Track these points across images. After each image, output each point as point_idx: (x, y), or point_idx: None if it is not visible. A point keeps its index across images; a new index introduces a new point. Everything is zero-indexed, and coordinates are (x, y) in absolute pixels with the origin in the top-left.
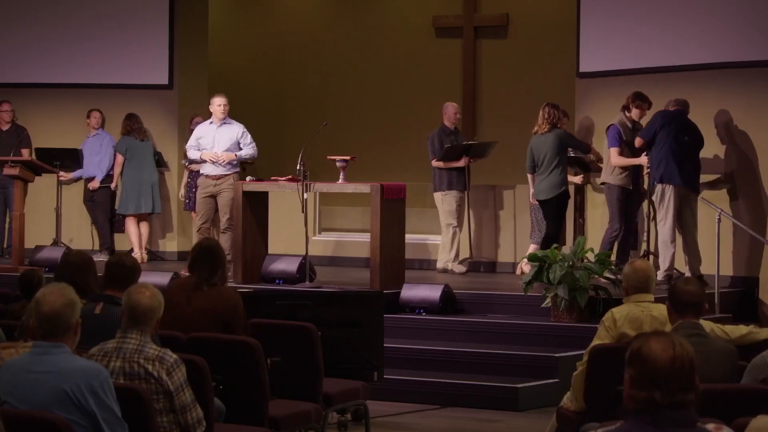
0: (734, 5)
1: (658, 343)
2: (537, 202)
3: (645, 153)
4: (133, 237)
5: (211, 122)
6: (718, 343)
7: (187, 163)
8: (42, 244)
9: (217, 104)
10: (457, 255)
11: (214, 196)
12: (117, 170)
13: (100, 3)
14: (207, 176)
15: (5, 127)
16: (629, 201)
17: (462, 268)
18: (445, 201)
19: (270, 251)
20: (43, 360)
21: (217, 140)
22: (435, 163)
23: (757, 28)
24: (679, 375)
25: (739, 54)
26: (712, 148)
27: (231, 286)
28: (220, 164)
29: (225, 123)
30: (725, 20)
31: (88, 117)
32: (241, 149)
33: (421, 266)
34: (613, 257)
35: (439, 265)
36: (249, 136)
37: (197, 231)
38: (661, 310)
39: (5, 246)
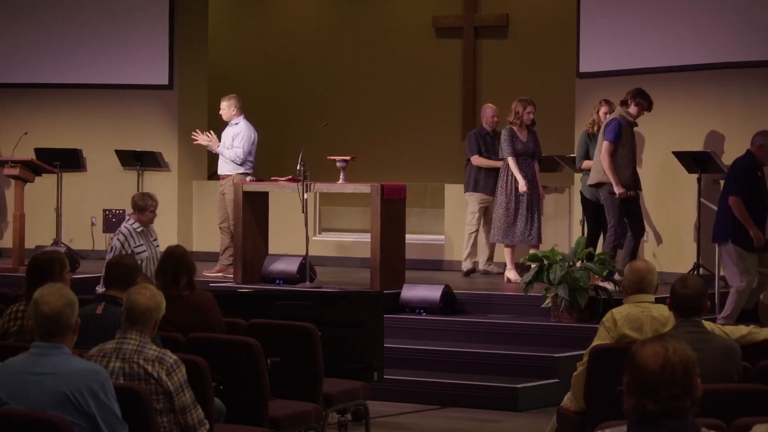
0: (733, 5)
1: (650, 348)
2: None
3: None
4: None
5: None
6: (719, 341)
7: None
8: (42, 244)
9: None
10: (469, 255)
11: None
12: None
13: (100, 3)
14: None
15: None
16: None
17: (468, 265)
18: (469, 202)
19: (270, 251)
20: (41, 361)
21: (222, 140)
22: (476, 161)
23: (757, 28)
24: (669, 382)
25: (738, 54)
26: (712, 148)
27: (203, 290)
28: (217, 149)
29: (233, 124)
30: (725, 20)
31: None
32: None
33: (421, 266)
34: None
35: (482, 266)
36: (239, 140)
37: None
38: (661, 310)
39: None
